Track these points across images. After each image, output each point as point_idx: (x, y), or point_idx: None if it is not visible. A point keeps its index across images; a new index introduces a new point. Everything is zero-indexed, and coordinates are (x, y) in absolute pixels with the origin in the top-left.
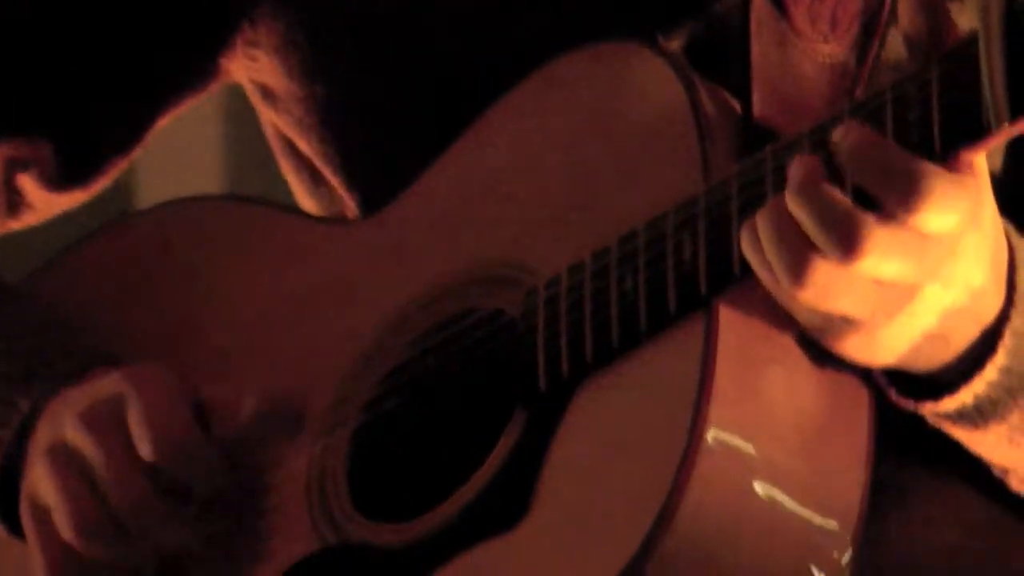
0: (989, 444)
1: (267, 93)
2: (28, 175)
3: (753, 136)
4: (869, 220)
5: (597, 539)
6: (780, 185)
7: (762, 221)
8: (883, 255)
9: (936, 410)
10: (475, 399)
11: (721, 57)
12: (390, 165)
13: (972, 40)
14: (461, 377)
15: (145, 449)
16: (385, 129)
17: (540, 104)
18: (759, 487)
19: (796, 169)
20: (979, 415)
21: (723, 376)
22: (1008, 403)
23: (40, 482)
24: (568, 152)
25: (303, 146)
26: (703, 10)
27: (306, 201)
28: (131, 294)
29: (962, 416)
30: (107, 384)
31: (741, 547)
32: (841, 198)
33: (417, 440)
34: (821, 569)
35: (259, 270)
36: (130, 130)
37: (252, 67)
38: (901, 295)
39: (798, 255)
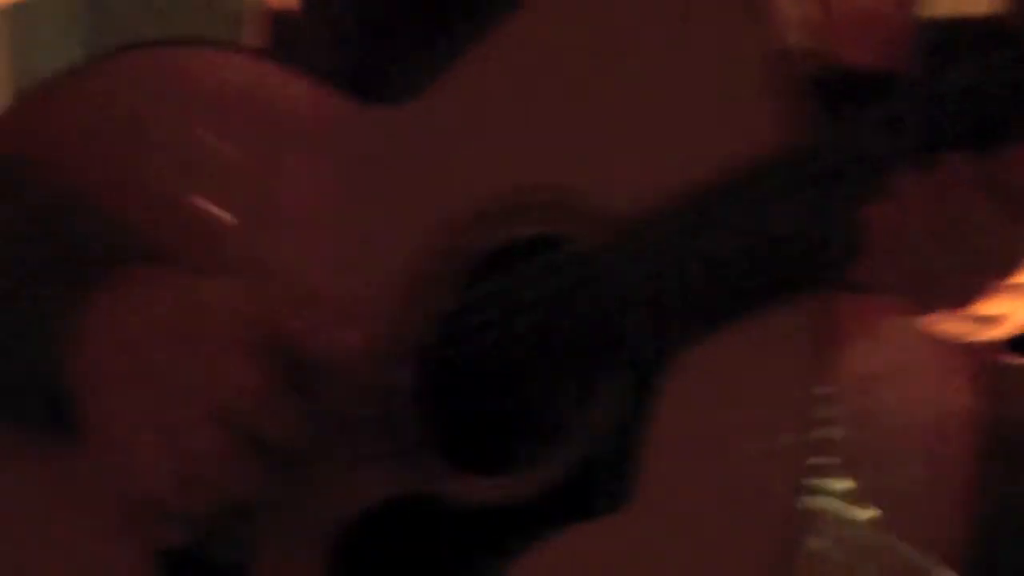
0: None
1: None
2: None
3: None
4: None
5: (729, 516)
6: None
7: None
8: None
9: None
10: (562, 349)
11: None
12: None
13: None
14: (545, 319)
15: (223, 396)
16: None
17: (605, 19)
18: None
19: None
20: None
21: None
22: None
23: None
24: (640, 74)
25: None
26: None
27: None
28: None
29: None
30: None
31: None
32: None
33: (491, 385)
34: None
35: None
36: None
37: None
38: None
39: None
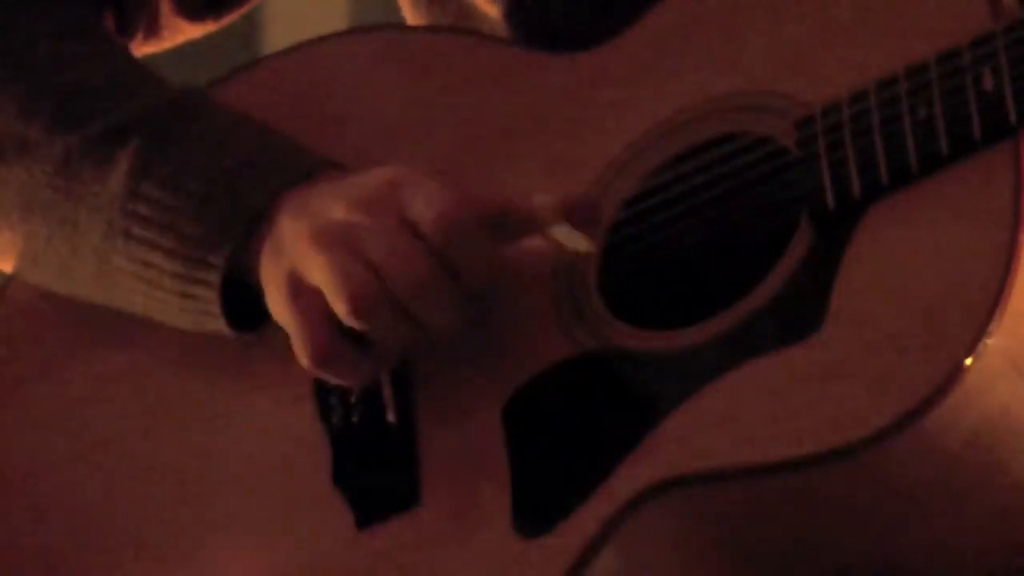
0: None
1: None
2: (171, 2)
3: None
4: None
5: (910, 350)
6: None
7: None
8: None
9: None
10: (747, 216)
11: None
12: None
13: None
14: (731, 195)
15: (428, 226)
16: None
17: None
18: None
19: None
20: None
21: None
22: None
23: (310, 263)
24: None
25: None
26: None
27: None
28: (326, 120)
29: None
30: (378, 174)
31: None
32: None
33: (674, 252)
34: None
35: (470, 96)
36: None
37: None
38: None
39: None
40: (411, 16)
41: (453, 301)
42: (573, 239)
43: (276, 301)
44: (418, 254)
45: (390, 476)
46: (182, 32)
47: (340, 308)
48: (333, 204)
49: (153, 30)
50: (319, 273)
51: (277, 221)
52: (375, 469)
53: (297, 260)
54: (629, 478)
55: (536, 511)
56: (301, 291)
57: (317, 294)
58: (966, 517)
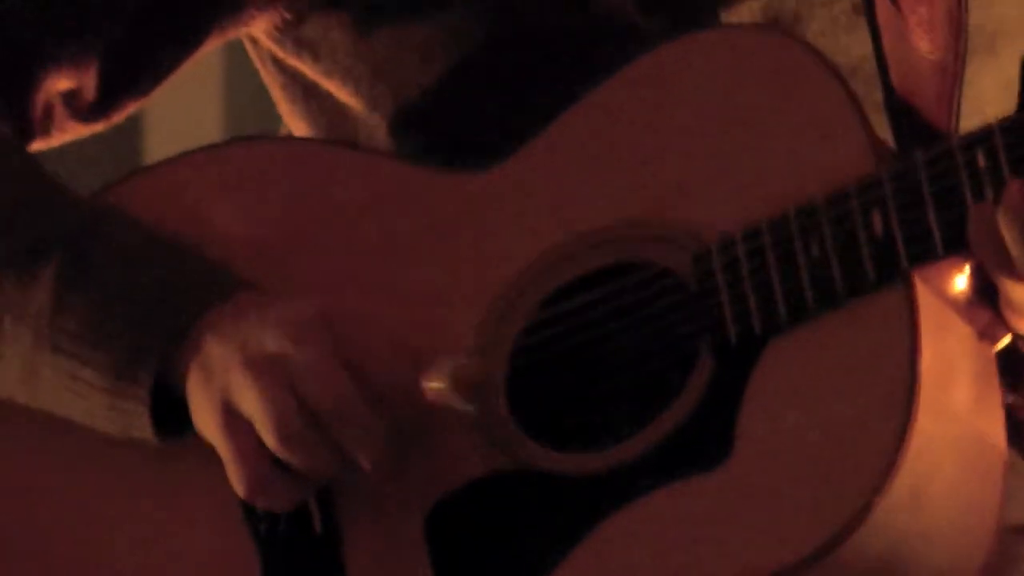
0: None
1: (302, 43)
2: (64, 106)
3: (900, 117)
4: None
5: (814, 485)
6: (974, 179)
7: (1006, 216)
8: None
9: None
10: (648, 347)
11: None
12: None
13: None
14: (633, 328)
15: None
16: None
17: (672, 80)
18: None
19: None
20: None
21: (926, 346)
22: None
23: (244, 392)
24: (709, 127)
25: (335, 88)
26: None
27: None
28: (217, 234)
29: None
30: (303, 308)
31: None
32: None
33: (579, 377)
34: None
35: (363, 213)
36: (171, 53)
37: (282, 17)
38: None
39: None
40: (287, 112)
41: (378, 431)
42: (453, 400)
43: (207, 424)
44: (343, 386)
45: None
46: (72, 132)
47: (270, 439)
48: (262, 334)
49: (46, 131)
50: (251, 404)
51: (203, 341)
52: None
53: (230, 388)
54: None
55: None
56: (234, 422)
57: (250, 424)
58: None
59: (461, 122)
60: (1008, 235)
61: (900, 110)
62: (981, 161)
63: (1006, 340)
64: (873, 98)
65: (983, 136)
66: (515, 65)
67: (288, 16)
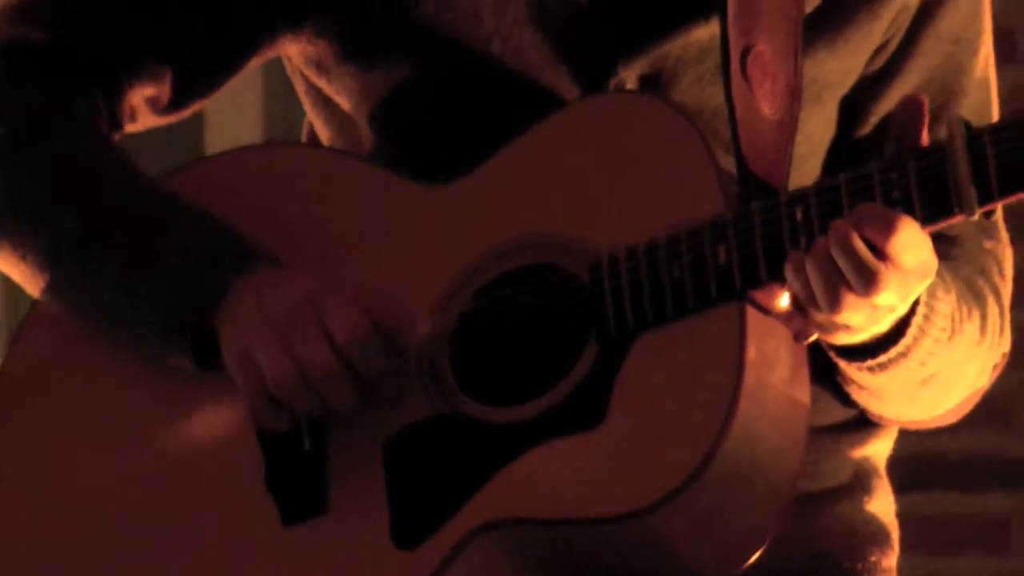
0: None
1: (320, 67)
2: (145, 105)
3: (745, 169)
4: (882, 267)
5: (668, 442)
6: (792, 230)
7: (811, 262)
8: (889, 291)
9: (873, 362)
10: (555, 330)
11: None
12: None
13: (940, 148)
14: (543, 313)
15: (339, 335)
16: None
17: (576, 132)
18: (774, 403)
19: (838, 227)
20: (891, 363)
21: (751, 344)
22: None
23: (256, 348)
24: (603, 169)
25: (343, 104)
26: (658, 43)
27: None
28: (254, 219)
29: (882, 365)
30: (303, 284)
31: (765, 440)
32: (866, 251)
33: (502, 348)
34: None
35: (350, 212)
36: (226, 67)
37: (308, 48)
38: (886, 311)
39: (836, 290)
40: (310, 113)
41: (352, 388)
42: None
43: (230, 360)
44: (329, 355)
45: (307, 489)
46: (150, 122)
47: (270, 385)
48: (277, 305)
49: (133, 121)
50: (260, 357)
51: (238, 300)
52: (296, 482)
53: (248, 342)
54: (471, 514)
55: (406, 531)
56: (248, 366)
57: (258, 368)
58: (700, 545)
59: (433, 145)
60: (812, 277)
61: (745, 165)
62: (799, 216)
63: (814, 338)
64: (726, 137)
65: (801, 197)
66: (466, 104)
67: (310, 49)
